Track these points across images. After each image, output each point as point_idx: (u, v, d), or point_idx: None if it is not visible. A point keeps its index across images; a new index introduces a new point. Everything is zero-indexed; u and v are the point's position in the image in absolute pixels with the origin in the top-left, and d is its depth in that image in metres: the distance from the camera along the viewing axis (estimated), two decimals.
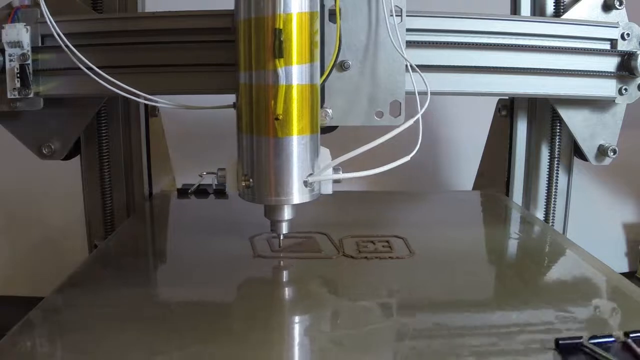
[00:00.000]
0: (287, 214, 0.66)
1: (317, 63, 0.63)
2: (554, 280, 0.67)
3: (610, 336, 0.49)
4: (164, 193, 0.97)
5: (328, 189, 0.67)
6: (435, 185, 1.31)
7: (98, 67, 0.71)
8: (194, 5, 0.77)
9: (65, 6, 0.79)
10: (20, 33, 0.74)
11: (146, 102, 0.71)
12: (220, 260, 0.70)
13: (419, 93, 0.67)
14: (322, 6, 0.66)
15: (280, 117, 0.60)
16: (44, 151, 0.84)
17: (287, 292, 0.64)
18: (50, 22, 0.69)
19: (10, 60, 0.74)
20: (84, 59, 0.70)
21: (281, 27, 0.58)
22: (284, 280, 0.67)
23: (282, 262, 0.69)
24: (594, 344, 0.48)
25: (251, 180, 0.63)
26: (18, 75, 0.74)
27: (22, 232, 1.29)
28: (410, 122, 0.65)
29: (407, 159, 0.62)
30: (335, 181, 0.67)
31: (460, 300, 0.60)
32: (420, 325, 0.54)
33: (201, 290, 0.62)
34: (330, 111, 0.71)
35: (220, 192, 0.96)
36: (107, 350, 0.49)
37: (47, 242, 1.28)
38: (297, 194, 0.63)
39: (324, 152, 0.67)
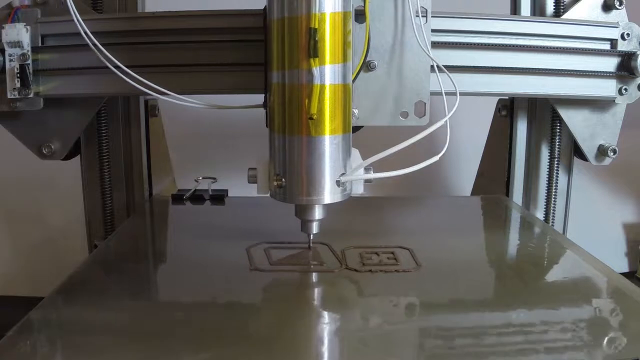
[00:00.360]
0: (318, 213, 0.65)
1: (350, 63, 0.63)
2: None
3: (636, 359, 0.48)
4: (161, 197, 0.95)
5: (359, 188, 0.67)
6: (435, 185, 1.31)
7: (95, 67, 0.70)
8: (194, 5, 0.77)
9: (65, 6, 0.79)
10: (20, 33, 0.74)
11: (177, 101, 0.70)
12: (216, 273, 0.67)
13: (448, 94, 0.67)
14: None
15: (315, 116, 0.59)
16: (44, 151, 0.84)
17: (285, 311, 0.59)
18: (78, 21, 0.68)
19: (10, 60, 0.74)
20: (112, 57, 0.69)
21: (316, 26, 0.58)
22: (281, 298, 0.63)
23: (280, 277, 0.65)
24: None
25: (283, 180, 0.63)
26: (18, 75, 0.74)
27: (22, 232, 1.29)
28: (440, 123, 0.65)
29: (436, 158, 0.62)
30: (367, 181, 0.67)
31: (472, 316, 0.58)
32: (434, 348, 0.52)
33: (196, 301, 0.60)
34: (356, 111, 0.71)
35: (217, 198, 0.93)
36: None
37: (47, 242, 1.28)
38: (329, 194, 0.63)
39: (354, 152, 0.67)
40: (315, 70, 0.59)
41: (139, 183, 0.93)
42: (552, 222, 0.94)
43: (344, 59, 0.61)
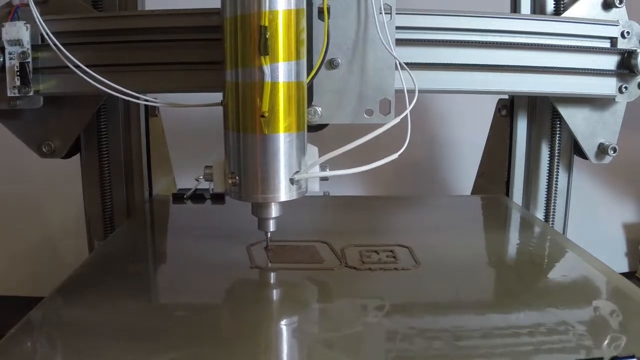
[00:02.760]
0: (274, 211, 0.66)
1: (304, 60, 0.63)
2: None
3: (633, 357, 0.47)
4: (162, 197, 0.95)
5: (315, 186, 0.67)
6: (435, 185, 1.31)
7: (94, 66, 0.71)
8: (193, 5, 0.77)
9: (67, 5, 0.79)
10: (20, 31, 0.74)
11: (134, 100, 0.70)
12: (216, 271, 0.67)
13: (410, 91, 0.66)
14: (311, 4, 0.66)
15: (267, 114, 0.60)
16: (43, 149, 0.84)
17: (285, 309, 0.60)
18: (40, 22, 0.70)
19: (10, 59, 0.74)
20: (72, 57, 0.70)
21: (267, 24, 0.58)
22: (282, 296, 0.63)
23: (280, 275, 0.66)
24: None
25: (237, 178, 0.63)
26: (18, 73, 0.74)
27: (21, 232, 1.29)
28: (397, 119, 0.65)
29: (394, 156, 0.62)
30: (323, 179, 0.67)
31: (471, 314, 0.58)
32: (434, 344, 0.51)
33: (196, 300, 0.61)
34: (319, 109, 0.71)
35: (218, 197, 0.92)
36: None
37: (47, 242, 1.28)
38: (284, 192, 0.63)
39: (312, 149, 0.67)
40: (266, 68, 0.59)
41: (139, 183, 0.92)
42: (552, 222, 0.94)
43: (297, 56, 0.61)
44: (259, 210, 0.66)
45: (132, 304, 0.59)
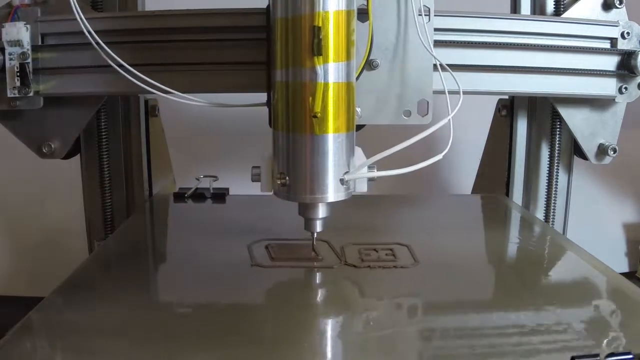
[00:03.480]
0: (322, 212, 0.65)
1: (354, 61, 0.63)
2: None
3: (629, 353, 0.47)
4: (162, 196, 0.96)
5: (363, 187, 0.66)
6: (435, 185, 1.31)
7: (95, 66, 0.70)
8: (192, 5, 0.77)
9: (66, 5, 0.79)
10: (20, 32, 0.74)
11: (180, 99, 0.70)
12: (217, 269, 0.68)
13: (451, 92, 0.67)
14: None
15: (318, 114, 0.59)
16: (43, 150, 0.84)
17: (285, 306, 0.61)
18: (81, 19, 0.68)
19: (10, 59, 0.74)
20: (115, 56, 0.69)
21: (320, 24, 0.58)
22: (282, 293, 0.64)
23: (280, 272, 0.66)
24: None
25: (287, 178, 0.62)
26: (18, 74, 0.74)
27: (22, 232, 1.29)
28: (444, 121, 0.65)
29: (439, 156, 0.62)
30: (370, 179, 0.66)
31: (468, 311, 0.58)
32: (432, 340, 0.52)
33: (197, 299, 0.61)
34: (359, 110, 0.70)
35: (218, 196, 0.93)
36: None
37: (47, 242, 1.28)
38: (333, 192, 0.62)
39: (357, 150, 0.66)
40: (319, 69, 0.59)
41: (139, 183, 0.93)
42: (552, 222, 0.94)
43: (348, 57, 0.61)
44: (307, 210, 0.65)
45: (132, 304, 0.59)
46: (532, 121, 0.94)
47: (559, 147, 0.92)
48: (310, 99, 0.59)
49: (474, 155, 1.06)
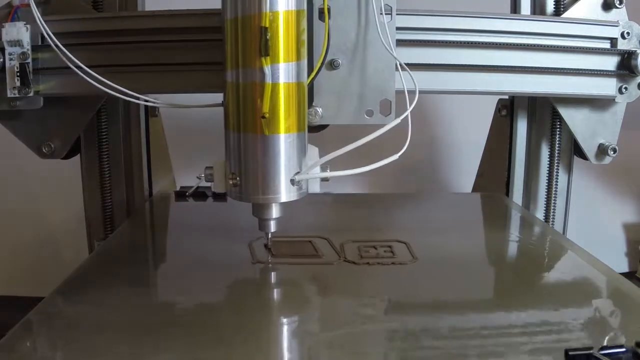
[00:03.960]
0: (275, 212, 0.65)
1: (305, 61, 0.63)
2: (555, 281, 0.67)
3: (622, 346, 0.48)
4: (162, 195, 0.96)
5: (316, 187, 0.67)
6: (435, 185, 1.31)
7: (95, 66, 0.71)
8: (192, 5, 0.77)
9: (67, 5, 0.80)
10: (20, 32, 0.74)
11: (134, 100, 0.71)
12: (218, 266, 0.69)
13: (410, 92, 0.67)
14: (311, 5, 0.66)
15: (267, 115, 0.60)
16: (44, 150, 0.84)
17: (286, 300, 0.62)
18: (40, 22, 0.70)
19: (10, 59, 0.74)
20: (72, 57, 0.70)
21: (267, 25, 0.58)
22: (283, 287, 0.65)
23: (281, 269, 0.67)
24: (605, 354, 0.47)
25: (238, 178, 0.63)
26: (18, 74, 0.74)
27: (22, 232, 1.29)
28: (398, 120, 0.65)
29: (395, 157, 0.62)
30: (324, 180, 0.67)
31: (464, 307, 0.58)
32: (427, 334, 0.52)
33: (198, 297, 0.61)
34: (320, 110, 0.71)
35: (219, 195, 0.92)
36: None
37: (47, 242, 1.28)
38: (285, 192, 0.63)
39: (312, 150, 0.67)
40: (267, 69, 0.59)
41: (139, 183, 0.93)
42: (552, 222, 0.94)
43: (298, 57, 0.61)
44: (260, 210, 0.66)
45: (132, 304, 0.59)
46: (532, 121, 0.94)
47: (559, 147, 0.92)
48: (259, 99, 0.59)
49: (474, 155, 1.06)
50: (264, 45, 0.58)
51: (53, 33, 0.72)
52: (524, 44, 0.79)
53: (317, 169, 0.65)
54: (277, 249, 0.70)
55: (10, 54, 0.74)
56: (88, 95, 0.82)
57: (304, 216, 0.82)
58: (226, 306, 0.60)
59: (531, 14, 0.88)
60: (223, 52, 0.62)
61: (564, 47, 0.80)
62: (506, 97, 0.95)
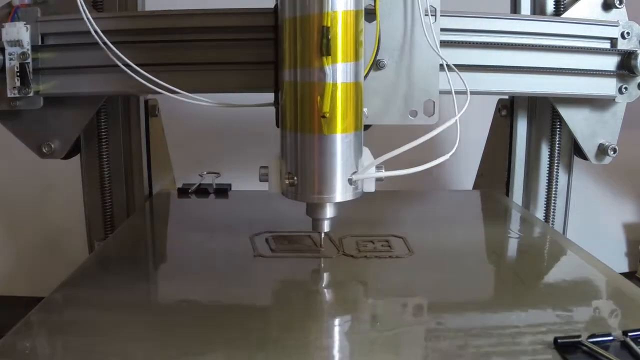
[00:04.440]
0: (329, 212, 0.65)
1: (362, 61, 0.63)
2: (554, 281, 0.67)
3: (609, 335, 0.49)
4: (164, 192, 0.97)
5: (371, 187, 0.67)
6: (435, 185, 1.31)
7: (95, 66, 0.70)
8: (192, 5, 0.77)
9: (66, 5, 0.79)
10: (20, 32, 0.74)
11: (187, 99, 0.70)
12: (220, 259, 0.70)
13: (458, 93, 0.67)
14: None
15: (327, 115, 0.59)
16: (44, 150, 0.84)
17: (288, 292, 0.65)
18: (88, 19, 0.68)
19: (10, 59, 0.74)
20: (123, 56, 0.69)
21: (329, 24, 0.58)
22: (285, 279, 0.67)
23: (282, 262, 0.69)
24: (593, 342, 0.48)
25: (295, 178, 0.63)
26: (18, 74, 0.74)
27: (22, 232, 1.29)
28: (451, 122, 0.65)
29: (447, 156, 0.63)
30: (378, 179, 0.67)
31: (459, 300, 0.60)
32: (421, 326, 0.54)
33: (201, 290, 0.62)
34: (366, 110, 0.70)
35: (221, 192, 0.95)
36: (107, 351, 0.49)
37: (47, 242, 1.28)
38: (340, 192, 0.63)
39: (365, 150, 0.67)
40: (328, 69, 0.59)
41: (139, 183, 0.93)
42: (552, 222, 0.94)
43: (356, 57, 0.61)
44: (314, 210, 0.66)
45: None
46: (532, 121, 0.94)
47: (559, 147, 0.92)
48: (319, 98, 0.59)
49: (474, 155, 1.06)
50: (325, 45, 0.58)
51: (53, 33, 0.73)
52: (524, 44, 0.79)
53: (373, 169, 0.65)
54: (278, 244, 0.71)
55: (10, 54, 0.74)
56: (88, 95, 0.82)
57: (303, 211, 0.82)
58: (228, 297, 0.61)
59: (531, 14, 0.88)
60: (280, 52, 0.62)
61: (564, 47, 0.80)
62: (506, 97, 0.95)
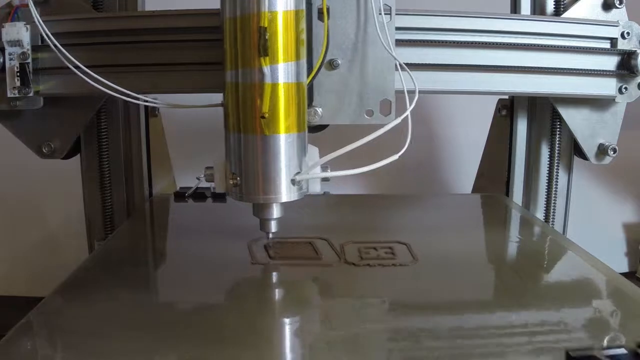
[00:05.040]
0: (275, 212, 0.66)
1: (304, 61, 0.63)
2: (555, 281, 0.67)
3: (622, 347, 0.48)
4: (162, 196, 0.96)
5: (316, 187, 0.67)
6: (435, 186, 1.31)
7: (95, 66, 0.71)
8: (192, 5, 0.77)
9: (66, 5, 0.80)
10: (20, 32, 0.74)
11: (133, 100, 0.70)
12: (217, 266, 0.68)
13: (410, 92, 0.66)
14: (311, 5, 0.66)
15: (267, 115, 0.60)
16: (43, 150, 0.84)
17: (285, 303, 0.62)
18: (39, 22, 0.70)
19: (10, 59, 0.74)
20: (71, 57, 0.70)
21: (266, 25, 0.58)
22: (282, 289, 0.65)
23: (279, 270, 0.67)
24: (606, 355, 0.47)
25: (239, 178, 0.63)
26: (18, 74, 0.74)
27: (22, 232, 1.29)
28: (398, 120, 0.65)
29: (395, 157, 0.62)
30: (324, 180, 0.67)
31: (465, 308, 0.58)
32: (429, 335, 0.52)
33: (198, 297, 0.61)
34: (320, 110, 0.71)
35: (219, 196, 0.93)
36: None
37: (47, 242, 1.28)
38: (285, 192, 0.63)
39: (313, 150, 0.67)
40: (266, 69, 0.59)
41: (139, 183, 0.93)
42: (552, 222, 0.94)
43: (297, 57, 0.61)
44: (260, 211, 0.66)
45: (132, 304, 0.59)
46: (532, 121, 0.94)
47: (559, 147, 0.92)
48: (259, 99, 0.59)
49: (473, 156, 1.06)
50: (263, 45, 0.58)
51: (53, 33, 0.72)
52: (524, 44, 0.79)
53: (318, 169, 0.65)
54: (276, 250, 0.70)
55: (10, 54, 0.74)
56: (88, 95, 0.82)
57: (303, 217, 0.82)
58: (225, 307, 0.60)
59: (531, 14, 0.87)
60: (222, 52, 0.62)
61: (564, 47, 0.80)
62: (506, 97, 0.95)
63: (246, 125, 0.61)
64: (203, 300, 0.60)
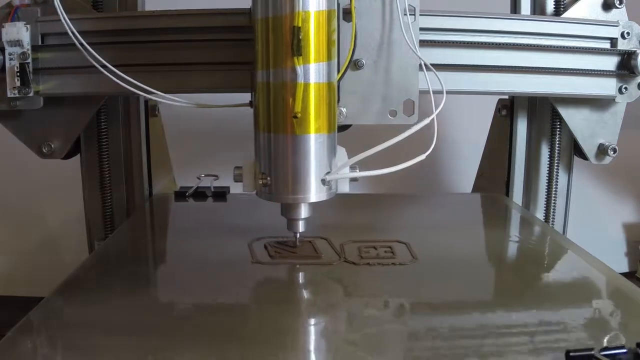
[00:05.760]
0: (304, 212, 0.66)
1: (335, 61, 0.63)
2: (555, 281, 0.67)
3: (622, 347, 0.48)
4: (162, 195, 0.96)
5: (345, 187, 0.67)
6: (435, 186, 1.31)
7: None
8: (192, 5, 0.77)
9: (67, 5, 0.79)
10: (20, 32, 0.74)
11: (162, 100, 0.71)
12: (218, 266, 0.68)
13: (434, 92, 0.67)
14: (337, 5, 0.66)
15: (299, 115, 0.59)
16: (44, 150, 0.84)
17: (285, 301, 0.61)
18: (65, 20, 0.69)
19: (10, 59, 0.74)
20: (98, 57, 0.69)
21: (300, 25, 0.58)
22: (280, 289, 0.64)
23: (279, 269, 0.67)
24: (606, 355, 0.47)
25: (268, 178, 0.63)
26: (18, 74, 0.74)
27: (22, 232, 1.29)
28: (426, 121, 0.65)
29: (422, 157, 0.62)
30: (352, 180, 0.67)
31: (465, 307, 0.58)
32: (428, 335, 0.52)
33: (198, 297, 0.61)
34: (344, 110, 0.71)
35: (219, 195, 0.94)
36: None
37: (47, 241, 1.28)
38: (314, 192, 0.63)
39: (340, 150, 0.67)
40: (299, 69, 0.59)
41: (139, 183, 0.93)
42: (552, 222, 0.94)
43: (329, 57, 0.61)
44: (289, 211, 0.66)
45: (132, 304, 0.59)
46: (532, 121, 0.94)
47: (559, 147, 0.92)
48: (291, 99, 0.59)
49: (473, 156, 1.06)
50: (296, 45, 0.58)
51: (52, 33, 0.73)
52: (524, 44, 0.79)
53: (347, 169, 0.65)
54: (277, 250, 0.70)
55: (10, 54, 0.74)
56: (88, 95, 0.82)
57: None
58: (225, 307, 0.60)
59: (531, 14, 0.87)
60: (253, 53, 0.62)
61: (564, 47, 0.80)
62: (506, 97, 0.95)
63: (277, 125, 0.61)
64: (203, 300, 0.60)
